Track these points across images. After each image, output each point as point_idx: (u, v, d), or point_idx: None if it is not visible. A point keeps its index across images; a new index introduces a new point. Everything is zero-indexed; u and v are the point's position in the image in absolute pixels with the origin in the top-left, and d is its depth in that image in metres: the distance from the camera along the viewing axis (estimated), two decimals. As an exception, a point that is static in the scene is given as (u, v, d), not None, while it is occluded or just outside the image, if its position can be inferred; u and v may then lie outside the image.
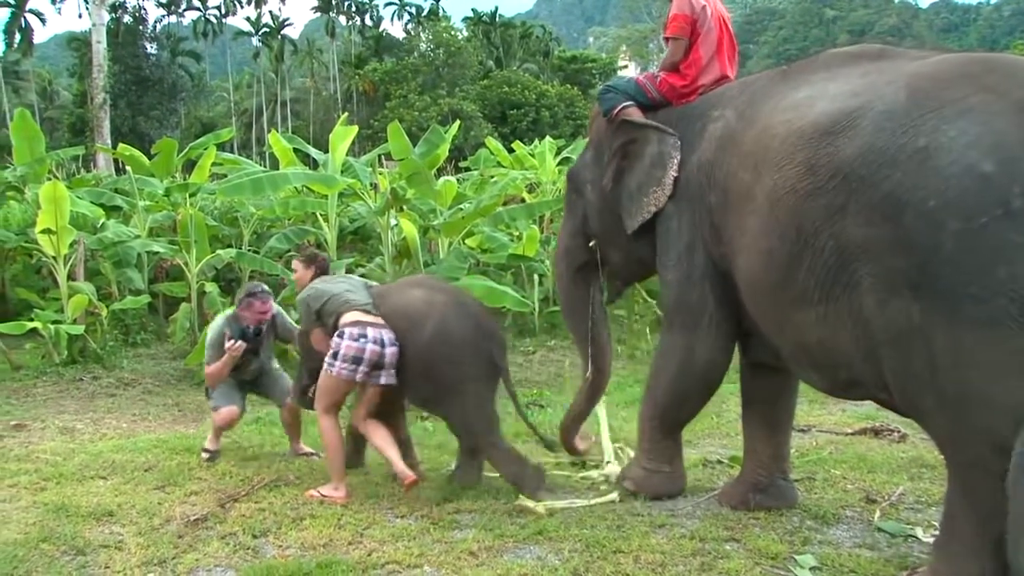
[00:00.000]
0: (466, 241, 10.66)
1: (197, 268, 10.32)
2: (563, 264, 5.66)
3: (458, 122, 13.93)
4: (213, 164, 13.21)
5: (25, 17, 57.56)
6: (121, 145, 14.54)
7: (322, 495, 5.11)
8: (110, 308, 9.82)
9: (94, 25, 32.55)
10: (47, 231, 9.43)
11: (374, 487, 5.30)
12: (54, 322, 9.29)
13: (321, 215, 10.80)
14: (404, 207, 8.98)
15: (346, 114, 11.99)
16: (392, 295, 5.34)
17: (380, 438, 5.25)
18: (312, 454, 6.21)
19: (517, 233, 11.62)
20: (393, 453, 5.13)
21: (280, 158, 11.96)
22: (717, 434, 6.69)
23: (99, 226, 10.69)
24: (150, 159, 13.70)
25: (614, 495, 5.04)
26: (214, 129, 47.01)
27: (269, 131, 57.00)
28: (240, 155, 18.49)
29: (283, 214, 11.81)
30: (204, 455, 6.03)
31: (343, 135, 10.25)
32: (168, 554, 4.23)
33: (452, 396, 5.14)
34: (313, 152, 12.58)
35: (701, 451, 6.10)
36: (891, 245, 3.31)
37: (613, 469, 5.53)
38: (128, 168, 12.94)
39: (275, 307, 6.29)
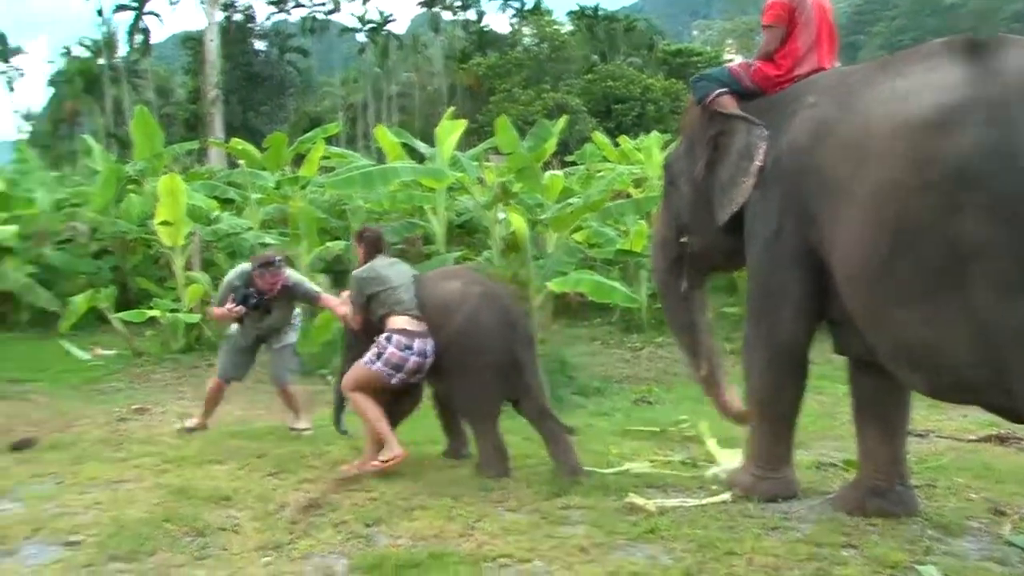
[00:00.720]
0: (574, 236, 10.65)
1: (308, 260, 10.57)
2: (659, 255, 5.61)
3: (564, 116, 13.91)
4: (321, 158, 13.53)
5: (144, 19, 60.02)
6: (233, 139, 15.01)
7: (381, 463, 5.33)
8: (221, 295, 10.14)
9: (208, 24, 33.69)
10: (165, 223, 9.81)
11: (482, 481, 5.32)
12: (172, 311, 9.67)
13: (429, 208, 10.91)
14: (512, 201, 9.02)
15: (452, 108, 12.10)
16: (432, 284, 5.59)
17: (371, 410, 5.45)
18: (306, 430, 6.67)
19: (624, 228, 11.55)
20: (383, 427, 5.41)
21: (387, 152, 12.15)
22: (830, 436, 6.52)
23: (213, 218, 11.06)
24: (261, 153, 14.12)
25: (726, 495, 4.94)
26: (321, 124, 47.82)
27: (375, 126, 58.06)
28: (347, 149, 18.84)
29: (391, 207, 12.00)
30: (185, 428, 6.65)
31: (451, 129, 10.35)
32: (283, 539, 4.34)
33: (466, 380, 5.42)
34: (420, 146, 12.75)
35: (814, 454, 5.94)
36: (1016, 244, 3.17)
37: (722, 469, 5.45)
38: (242, 162, 13.35)
39: (293, 276, 6.62)
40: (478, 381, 5.40)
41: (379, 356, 5.33)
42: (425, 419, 6.18)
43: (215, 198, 11.83)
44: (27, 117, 77.00)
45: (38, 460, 5.93)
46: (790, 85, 4.78)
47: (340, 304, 5.99)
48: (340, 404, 5.91)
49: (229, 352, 6.79)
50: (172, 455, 5.92)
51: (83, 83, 62.84)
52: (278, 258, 6.51)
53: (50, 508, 4.85)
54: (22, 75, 74.83)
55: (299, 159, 15.81)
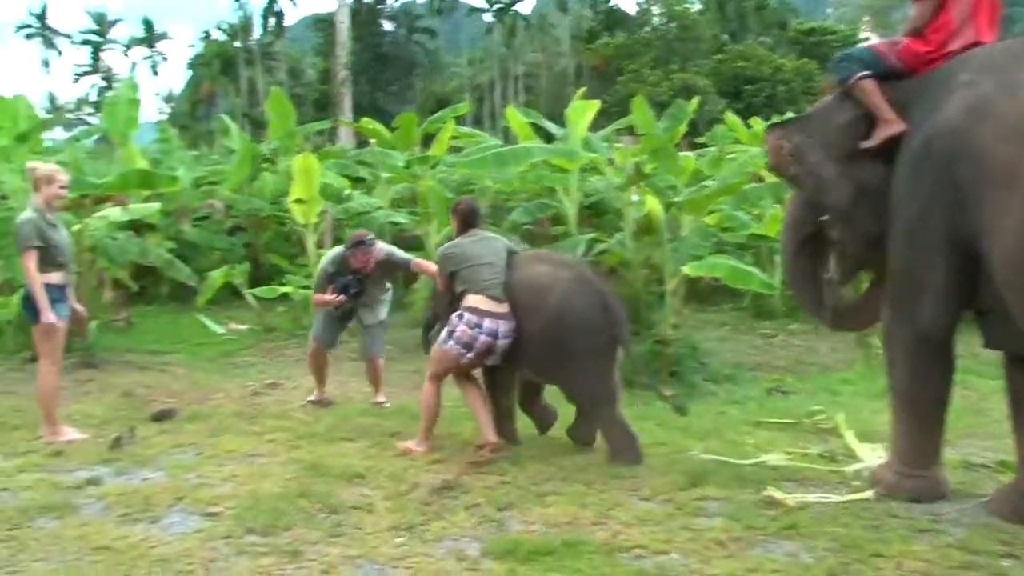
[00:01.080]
0: (705, 219, 10.40)
1: (437, 239, 10.64)
2: (787, 235, 5.37)
3: (696, 98, 13.60)
4: (451, 138, 13.60)
5: (278, 2, 61.93)
6: (364, 119, 15.24)
7: (407, 448, 5.55)
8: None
9: (339, 6, 34.38)
10: (299, 201, 10.02)
11: (617, 468, 5.22)
12: (303, 287, 9.89)
13: (561, 189, 10.81)
14: (644, 183, 8.85)
15: (584, 88, 11.97)
16: (520, 268, 5.62)
17: (475, 398, 5.65)
18: (384, 403, 7.05)
19: (756, 212, 11.22)
20: (485, 416, 5.56)
21: (517, 132, 12.11)
22: (979, 435, 6.13)
23: (345, 196, 11.26)
24: (391, 133, 14.28)
25: (869, 493, 4.71)
26: (449, 104, 48.30)
27: (502, 106, 58.17)
28: (474, 129, 18.93)
29: (520, 187, 11.97)
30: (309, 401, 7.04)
31: (584, 109, 10.21)
32: (416, 520, 4.35)
33: (572, 367, 5.38)
34: (550, 126, 12.67)
35: (961, 452, 5.59)
36: None
37: (864, 466, 5.20)
38: (373, 141, 13.54)
39: (383, 248, 6.88)
40: (584, 366, 5.38)
41: (451, 335, 5.46)
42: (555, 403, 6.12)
43: (346, 177, 12.04)
44: (167, 99, 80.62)
45: (178, 431, 6.15)
46: (942, 62, 4.45)
47: (431, 265, 6.39)
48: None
49: (323, 320, 7.11)
50: (304, 431, 6.05)
51: (220, 65, 65.41)
52: (369, 236, 6.78)
53: (191, 479, 5.01)
54: (165, 59, 78.35)
55: (428, 139, 15.99)
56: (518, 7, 65.28)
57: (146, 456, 5.48)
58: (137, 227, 10.82)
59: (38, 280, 5.73)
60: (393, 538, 4.15)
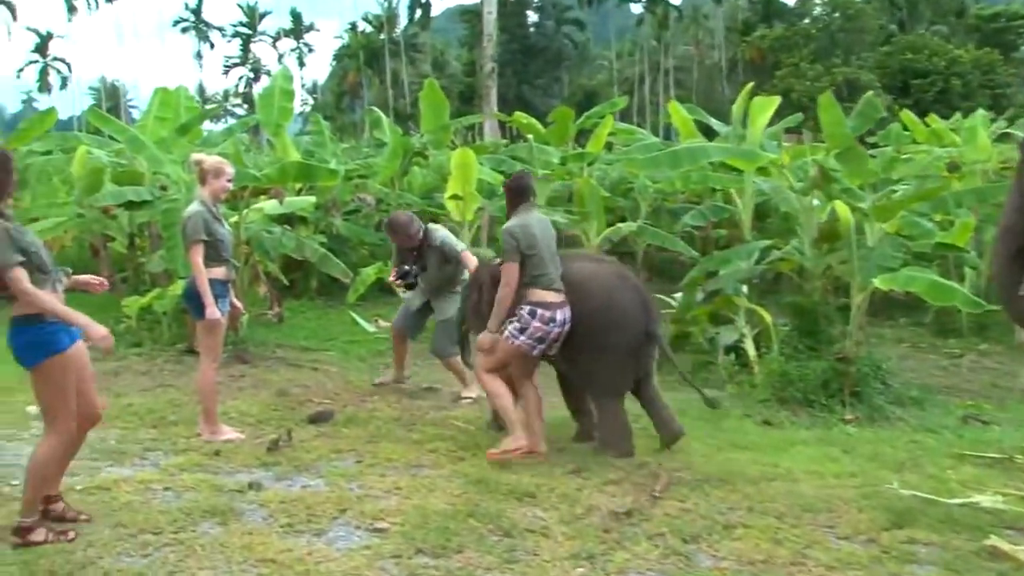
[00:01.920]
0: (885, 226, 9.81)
1: (595, 240, 10.41)
2: (1001, 243, 4.88)
3: (870, 93, 12.89)
4: (608, 134, 13.34)
5: (426, -7, 63.10)
6: (516, 113, 15.15)
7: (504, 452, 5.44)
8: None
9: (486, -5, 34.56)
10: (455, 197, 9.94)
11: (807, 500, 4.86)
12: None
13: (735, 191, 10.37)
14: (829, 186, 8.35)
15: (751, 84, 11.49)
16: (563, 263, 5.76)
17: (505, 398, 5.63)
18: (468, 399, 7.22)
19: (945, 219, 10.50)
20: (516, 417, 5.57)
21: (680, 129, 11.76)
22: None
23: (500, 193, 11.11)
24: (545, 127, 14.13)
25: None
26: (596, 97, 48.62)
27: (650, 100, 57.44)
28: (622, 123, 18.56)
29: (683, 188, 11.61)
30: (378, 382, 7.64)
31: (764, 106, 9.71)
32: (596, 549, 4.13)
33: (602, 359, 5.60)
34: (714, 123, 12.25)
35: None
36: None
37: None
38: (530, 136, 13.42)
39: (438, 234, 7.32)
40: (614, 359, 5.59)
41: (522, 330, 5.43)
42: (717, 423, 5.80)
43: (500, 173, 11.92)
44: (311, 91, 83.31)
45: (336, 435, 6.12)
46: None
47: (474, 260, 6.99)
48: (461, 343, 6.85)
49: (403, 312, 7.74)
50: (466, 441, 5.92)
51: (365, 57, 67.14)
52: (410, 217, 7.51)
53: (353, 489, 4.93)
54: (311, 51, 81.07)
55: (580, 134, 15.78)
56: (670, -3, 64.32)
57: (305, 461, 5.45)
58: (289, 220, 10.99)
59: (205, 275, 5.76)
60: (573, 568, 3.96)
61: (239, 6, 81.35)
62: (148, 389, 7.52)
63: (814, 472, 5.41)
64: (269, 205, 9.78)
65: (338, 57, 76.98)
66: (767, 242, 8.93)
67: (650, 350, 5.86)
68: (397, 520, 4.41)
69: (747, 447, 6.02)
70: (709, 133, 12.70)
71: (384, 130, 13.51)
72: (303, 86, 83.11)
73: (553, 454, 5.65)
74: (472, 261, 7.08)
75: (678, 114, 11.63)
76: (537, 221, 5.63)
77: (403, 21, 68.56)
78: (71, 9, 71.22)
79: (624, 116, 49.01)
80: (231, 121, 54.39)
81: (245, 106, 74.58)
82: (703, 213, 10.95)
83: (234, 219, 8.99)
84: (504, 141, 19.91)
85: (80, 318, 4.00)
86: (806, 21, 51.23)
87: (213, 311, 5.77)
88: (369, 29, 70.95)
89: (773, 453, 5.86)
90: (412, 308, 7.62)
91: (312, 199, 10.81)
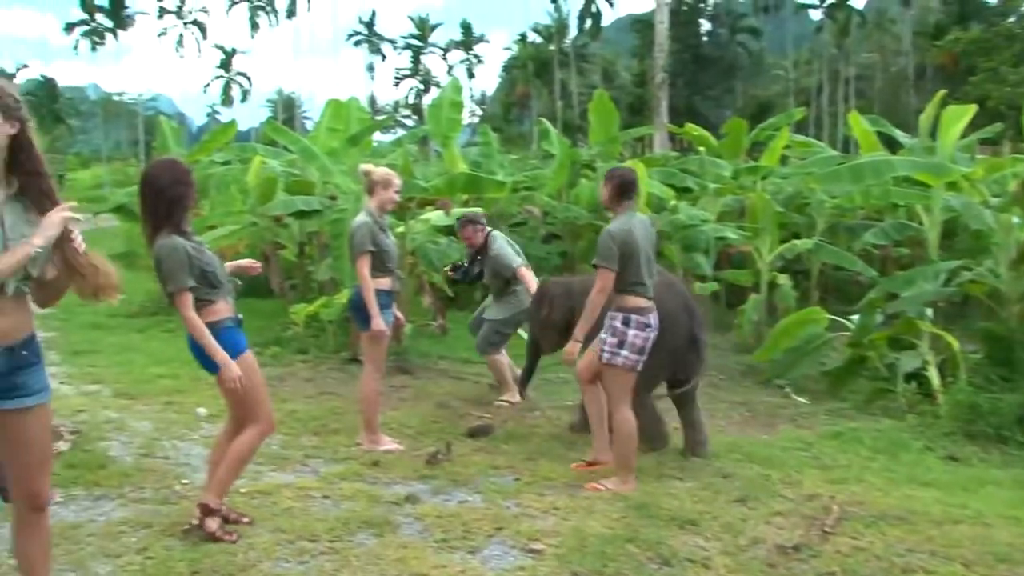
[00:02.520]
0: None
1: (768, 257, 10.12)
2: None
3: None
4: (783, 146, 12.99)
5: (596, 3, 63.22)
6: (688, 125, 14.93)
7: (608, 488, 5.21)
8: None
9: (658, 5, 34.28)
10: (622, 210, 9.84)
11: (1002, 548, 4.52)
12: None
13: (922, 208, 9.84)
14: (1029, 204, 7.83)
15: (943, 92, 10.91)
16: None
17: (600, 410, 5.63)
18: (508, 402, 7.49)
19: None
20: (603, 431, 5.57)
21: (860, 141, 11.32)
22: None
23: (670, 207, 10.98)
24: (717, 139, 13.87)
25: None
26: (771, 109, 47.54)
27: (828, 111, 55.61)
28: (798, 135, 18.00)
29: (863, 204, 11.15)
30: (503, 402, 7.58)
31: (957, 116, 9.17)
32: (760, 585, 3.97)
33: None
34: (899, 135, 11.72)
35: None
36: None
37: None
38: (702, 149, 13.21)
39: (498, 245, 7.71)
40: (655, 360, 5.48)
41: (621, 344, 5.19)
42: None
43: (670, 186, 11.77)
44: (480, 102, 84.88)
45: (495, 450, 6.14)
46: None
47: (532, 281, 7.31)
48: (530, 372, 7.17)
49: (476, 315, 8.16)
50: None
51: (534, 68, 67.86)
52: (476, 216, 8.08)
53: (510, 506, 4.92)
54: (480, 62, 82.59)
55: (754, 146, 15.42)
56: (852, 2, 62.12)
57: (463, 476, 5.48)
58: (454, 232, 11.14)
59: (371, 286, 5.89)
60: (735, 604, 3.80)
61: (410, 19, 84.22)
62: (312, 396, 7.76)
63: (1010, 517, 5.01)
64: (435, 216, 9.97)
65: (507, 68, 78.17)
66: (956, 262, 8.44)
67: (693, 356, 6.04)
68: (553, 542, 4.37)
69: (930, 484, 5.69)
70: (892, 145, 12.18)
71: (552, 141, 13.57)
72: (472, 97, 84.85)
73: (718, 480, 5.50)
74: (529, 277, 7.49)
75: (859, 125, 11.20)
76: (639, 224, 5.38)
77: (573, 31, 68.95)
78: (254, 26, 75.09)
79: (800, 128, 47.65)
80: (401, 132, 56.05)
81: (414, 117, 76.66)
82: (885, 231, 10.47)
83: (400, 229, 9.21)
84: (674, 153, 19.67)
85: (218, 353, 4.17)
86: (1010, 20, 48.18)
87: (378, 322, 5.89)
88: (539, 40, 71.70)
89: (960, 492, 5.51)
90: (478, 320, 8.05)
91: (479, 211, 10.95)
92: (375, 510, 4.79)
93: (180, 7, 75.25)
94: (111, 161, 68.21)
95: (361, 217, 6.03)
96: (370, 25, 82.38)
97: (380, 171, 6.17)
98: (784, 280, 9.94)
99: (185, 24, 75.79)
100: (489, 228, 8.07)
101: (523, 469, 5.66)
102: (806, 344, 8.49)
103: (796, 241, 10.39)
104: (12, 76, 62.69)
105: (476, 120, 72.15)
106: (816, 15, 65.87)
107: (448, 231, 10.86)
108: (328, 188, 10.54)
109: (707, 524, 4.69)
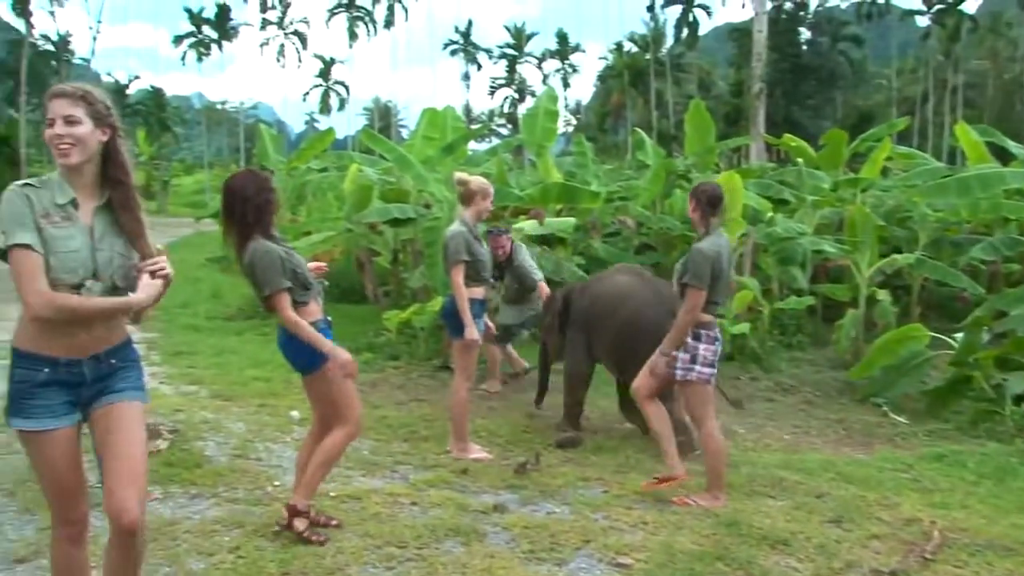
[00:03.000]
0: None
1: (867, 272, 9.89)
2: None
3: None
4: (885, 158, 12.69)
5: (693, 12, 62.69)
6: (786, 135, 14.69)
7: (698, 503, 5.17)
8: (771, 307, 9.88)
9: (756, 14, 33.82)
10: (718, 222, 9.75)
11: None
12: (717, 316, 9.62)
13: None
14: None
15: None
16: (604, 278, 7.09)
17: (663, 422, 5.49)
18: (492, 392, 8.36)
19: None
20: (672, 446, 5.46)
21: (968, 152, 11.02)
22: None
23: (767, 220, 10.82)
24: (816, 151, 13.62)
25: None
26: (872, 119, 46.39)
27: (934, 121, 54.02)
28: (900, 146, 17.53)
29: (970, 217, 10.82)
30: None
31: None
32: (858, 609, 3.88)
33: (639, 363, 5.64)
34: (1011, 145, 11.34)
35: None
36: None
37: None
38: (800, 160, 12.99)
39: (521, 255, 8.39)
40: (627, 351, 6.21)
41: (694, 360, 5.19)
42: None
43: (767, 198, 11.59)
44: (574, 111, 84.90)
45: (584, 461, 6.13)
46: None
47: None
48: (544, 382, 7.63)
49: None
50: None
51: (629, 77, 67.60)
52: (502, 229, 8.58)
53: (598, 519, 4.91)
54: (576, 72, 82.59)
55: (854, 158, 15.09)
56: (964, 6, 60.05)
57: (551, 487, 5.48)
58: (547, 241, 11.18)
59: (465, 295, 5.94)
60: (828, 629, 3.71)
61: (506, 28, 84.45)
62: (403, 403, 7.86)
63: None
64: (529, 225, 10.01)
65: (602, 77, 78.02)
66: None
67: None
68: (642, 556, 4.34)
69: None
70: (1003, 157, 11.79)
71: (647, 152, 13.50)
72: (566, 106, 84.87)
73: (811, 500, 5.38)
74: (545, 291, 8.24)
75: (967, 136, 10.89)
76: (725, 244, 5.37)
77: (669, 41, 68.50)
78: (352, 36, 76.45)
79: (902, 139, 46.50)
80: (495, 141, 56.42)
81: (509, 126, 77.04)
82: (994, 245, 10.13)
83: (489, 239, 9.27)
84: (772, 165, 19.37)
85: (326, 344, 4.25)
86: None
87: (472, 331, 5.94)
88: (634, 49, 71.45)
89: (1076, 524, 5.27)
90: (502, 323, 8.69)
91: (572, 220, 10.95)
92: (463, 518, 4.82)
93: (282, 18, 77.00)
94: (212, 167, 70.22)
95: (456, 226, 6.08)
96: (466, 35, 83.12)
97: (477, 181, 6.21)
98: (884, 295, 9.69)
99: (286, 35, 77.52)
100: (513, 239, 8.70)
101: (612, 481, 5.64)
102: (906, 362, 8.27)
103: (897, 255, 10.13)
104: (126, 87, 65.12)
105: (570, 130, 72.20)
106: (923, 21, 64.12)
107: (542, 241, 10.90)
108: (423, 196, 10.68)
109: (800, 545, 4.59)
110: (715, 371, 5.28)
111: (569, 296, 7.23)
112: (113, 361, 3.01)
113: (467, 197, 6.11)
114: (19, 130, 52.80)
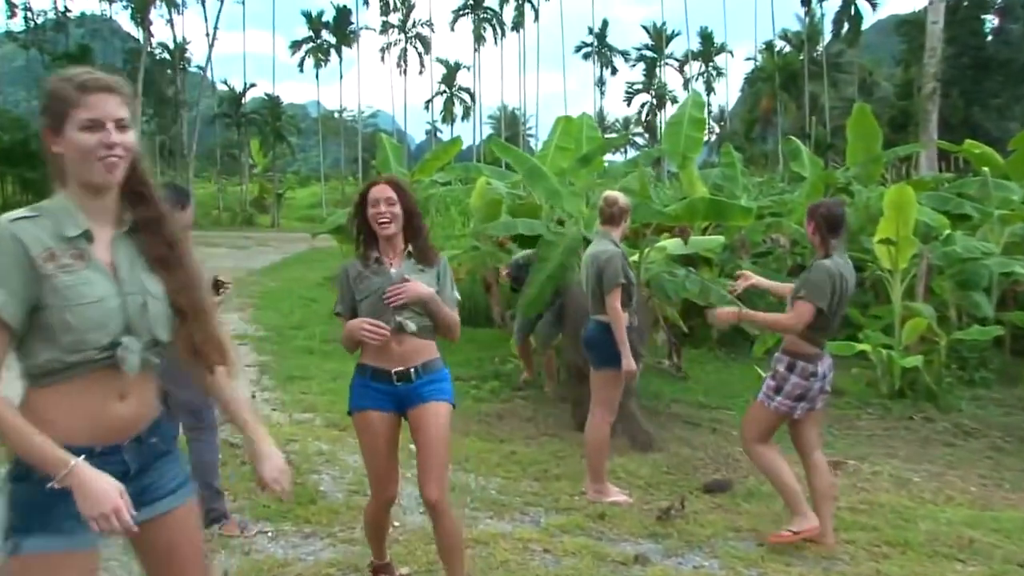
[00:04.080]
0: None
1: (1066, 297, 9.39)
2: None
3: None
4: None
5: (856, 4, 61.32)
6: (968, 142, 14.15)
7: (793, 533, 5.13)
8: (949, 337, 9.46)
9: (931, 2, 32.77)
10: (886, 241, 9.42)
11: None
12: (883, 346, 9.29)
13: None
14: None
15: None
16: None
17: (783, 473, 5.29)
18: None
19: None
20: (797, 498, 5.24)
21: None
22: None
23: (944, 238, 10.40)
24: (1004, 157, 13.08)
25: None
26: (1065, 122, 44.45)
27: None
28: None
29: None
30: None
31: None
32: None
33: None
34: None
35: None
36: None
37: None
38: (984, 169, 12.48)
39: None
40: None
41: (779, 390, 5.17)
42: None
43: (944, 213, 11.14)
44: (718, 119, 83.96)
45: (734, 509, 5.98)
46: None
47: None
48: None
49: (519, 321, 9.60)
50: (893, 536, 5.46)
51: (781, 79, 66.45)
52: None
53: (750, 575, 4.73)
54: (721, 75, 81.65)
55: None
56: None
57: (698, 536, 5.36)
58: (692, 261, 10.99)
59: (623, 322, 5.91)
60: None
61: (644, 28, 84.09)
62: (532, 437, 7.83)
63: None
64: (672, 244, 9.83)
65: (750, 80, 77.03)
66: None
67: None
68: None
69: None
70: None
71: (803, 162, 13.19)
72: (709, 113, 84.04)
73: (1012, 569, 5.06)
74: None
75: None
76: (849, 269, 5.29)
77: (827, 37, 67.18)
78: (479, 39, 77.64)
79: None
80: (631, 152, 56.29)
81: (646, 135, 76.76)
82: None
83: (634, 258, 9.12)
84: (949, 176, 18.67)
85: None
86: None
87: (630, 362, 5.93)
88: (787, 48, 70.32)
89: None
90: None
91: (720, 239, 10.74)
92: (600, 570, 4.75)
93: (404, 21, 78.85)
94: (328, 180, 72.13)
95: (609, 246, 6.10)
96: (600, 36, 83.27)
97: (626, 199, 6.31)
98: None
99: (408, 39, 79.32)
100: None
101: (767, 532, 5.43)
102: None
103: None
104: (241, 95, 67.55)
105: (712, 138, 71.45)
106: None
107: (686, 261, 10.71)
108: (556, 211, 10.60)
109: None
110: (808, 406, 5.22)
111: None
112: (154, 441, 2.49)
113: (618, 216, 6.20)
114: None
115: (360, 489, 5.99)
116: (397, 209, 4.04)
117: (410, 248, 4.16)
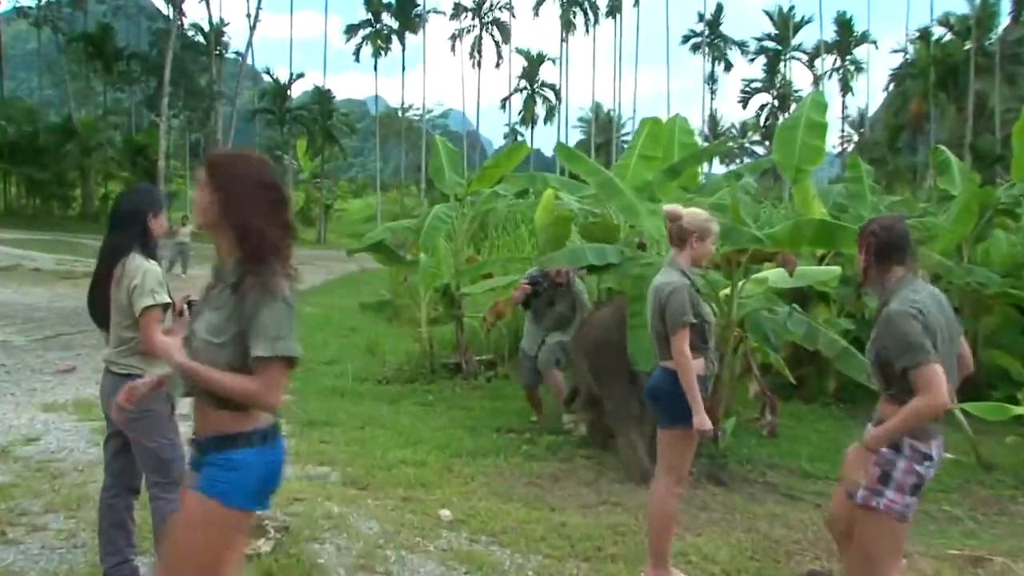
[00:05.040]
0: None
1: None
2: None
3: None
4: None
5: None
6: None
7: None
8: None
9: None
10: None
11: None
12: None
13: None
14: None
15: None
16: None
17: None
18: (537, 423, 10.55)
19: None
20: None
21: None
22: None
23: None
24: None
25: None
26: None
27: None
28: None
29: None
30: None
31: None
32: None
33: None
34: None
35: None
36: None
37: None
38: None
39: (579, 286, 11.01)
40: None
41: (885, 479, 4.51)
42: None
43: None
44: (857, 125, 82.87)
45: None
46: None
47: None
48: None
49: (525, 367, 11.09)
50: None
51: (937, 76, 65.29)
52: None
53: None
54: (862, 71, 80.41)
55: None
56: None
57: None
58: (802, 297, 10.77)
59: (692, 369, 5.64)
60: None
61: (766, 13, 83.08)
62: (590, 506, 7.69)
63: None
64: (774, 275, 9.60)
65: (897, 78, 75.98)
66: None
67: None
68: None
69: None
70: None
71: (952, 177, 12.87)
72: (845, 117, 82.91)
73: None
74: None
75: None
76: (932, 299, 4.70)
77: (1003, 22, 66.01)
78: (568, 26, 77.73)
79: None
80: (747, 162, 55.74)
81: (766, 143, 76.23)
82: None
83: (725, 291, 8.92)
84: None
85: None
86: None
87: (703, 420, 5.62)
88: (947, 37, 69.12)
89: None
90: (531, 354, 11.01)
91: (837, 270, 10.43)
92: None
93: (479, 4, 79.33)
94: (387, 189, 72.72)
95: (675, 276, 5.82)
96: (713, 24, 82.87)
97: (696, 215, 5.97)
98: None
99: (484, 24, 79.80)
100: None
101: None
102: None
103: None
104: (287, 87, 68.76)
105: (850, 148, 70.66)
106: None
107: (796, 296, 10.49)
108: (635, 233, 10.46)
109: None
110: (916, 500, 4.60)
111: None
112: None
113: (683, 237, 5.90)
114: (159, 138, 56.44)
115: (369, 564, 5.92)
116: (208, 194, 3.48)
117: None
